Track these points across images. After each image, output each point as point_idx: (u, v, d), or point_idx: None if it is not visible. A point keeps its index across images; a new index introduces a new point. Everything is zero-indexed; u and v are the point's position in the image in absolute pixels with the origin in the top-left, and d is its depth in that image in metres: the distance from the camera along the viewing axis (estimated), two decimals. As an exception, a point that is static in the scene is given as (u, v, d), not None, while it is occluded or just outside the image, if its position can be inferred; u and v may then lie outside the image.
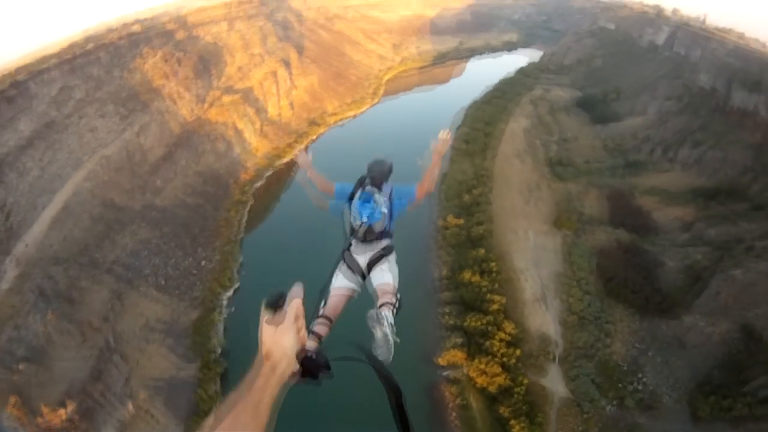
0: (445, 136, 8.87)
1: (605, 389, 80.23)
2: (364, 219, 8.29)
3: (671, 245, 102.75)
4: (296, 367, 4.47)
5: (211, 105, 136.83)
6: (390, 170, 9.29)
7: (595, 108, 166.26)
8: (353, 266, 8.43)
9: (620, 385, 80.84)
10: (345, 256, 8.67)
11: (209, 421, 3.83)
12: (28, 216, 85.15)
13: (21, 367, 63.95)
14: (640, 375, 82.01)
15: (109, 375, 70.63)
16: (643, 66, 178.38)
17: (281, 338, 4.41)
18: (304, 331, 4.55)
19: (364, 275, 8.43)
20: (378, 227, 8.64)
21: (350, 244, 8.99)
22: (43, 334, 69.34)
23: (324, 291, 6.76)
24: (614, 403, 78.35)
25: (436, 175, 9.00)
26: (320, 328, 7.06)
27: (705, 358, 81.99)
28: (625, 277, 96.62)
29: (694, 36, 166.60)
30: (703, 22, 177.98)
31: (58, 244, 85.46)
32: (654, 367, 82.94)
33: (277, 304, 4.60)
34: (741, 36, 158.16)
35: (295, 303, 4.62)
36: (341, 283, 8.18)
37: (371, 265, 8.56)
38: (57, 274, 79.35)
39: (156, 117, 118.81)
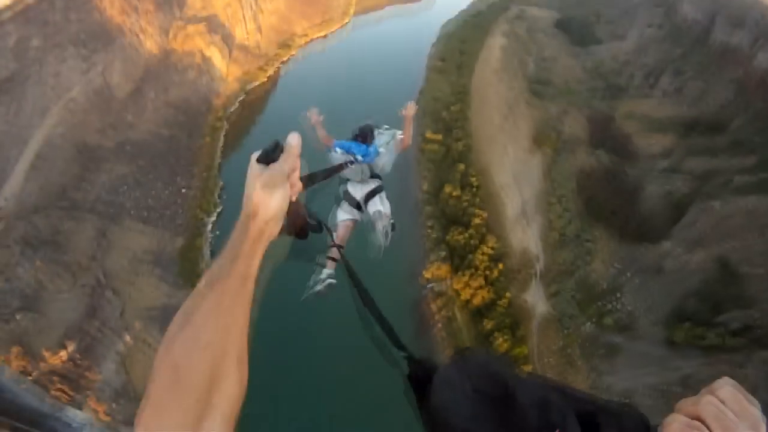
0: (411, 107, 10.11)
1: (584, 307, 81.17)
2: (359, 158, 9.09)
3: (651, 171, 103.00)
4: (282, 226, 3.77)
5: (175, 36, 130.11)
6: (372, 130, 10.28)
7: (574, 30, 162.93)
8: (351, 201, 9.84)
9: (599, 304, 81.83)
10: (344, 193, 10.06)
11: (191, 298, 3.00)
12: (2, 172, 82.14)
13: (18, 317, 64.27)
14: (618, 295, 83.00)
15: (104, 311, 71.47)
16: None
17: (272, 194, 3.63)
18: (298, 185, 3.87)
19: (361, 208, 9.85)
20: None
21: (348, 183, 10.40)
22: (35, 281, 69.30)
23: (327, 225, 5.96)
24: (593, 320, 79.43)
25: (410, 133, 10.27)
26: (335, 252, 7.83)
27: (681, 285, 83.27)
28: (605, 198, 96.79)
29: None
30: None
31: (36, 192, 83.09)
32: (632, 288, 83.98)
33: (270, 157, 3.74)
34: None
35: (291, 152, 3.81)
36: (345, 216, 9.50)
37: (367, 199, 10.06)
38: (39, 222, 78.17)
39: (119, 54, 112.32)
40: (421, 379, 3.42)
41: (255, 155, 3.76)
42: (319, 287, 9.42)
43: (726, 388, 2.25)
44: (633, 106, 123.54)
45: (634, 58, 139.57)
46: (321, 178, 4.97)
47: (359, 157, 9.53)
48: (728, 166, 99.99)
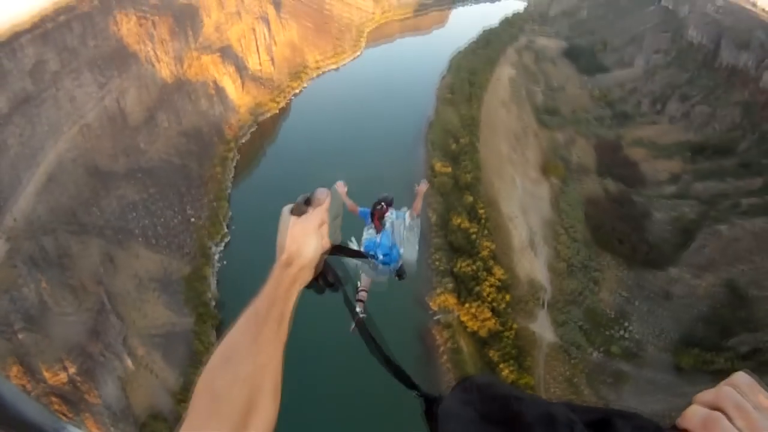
0: (424, 185, 9.28)
1: (592, 336, 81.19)
2: (380, 258, 8.07)
3: (658, 197, 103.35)
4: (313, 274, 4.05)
5: (190, 65, 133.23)
6: (392, 200, 8.97)
7: (581, 58, 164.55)
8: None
9: (607, 333, 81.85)
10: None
11: (232, 336, 3.31)
12: (13, 191, 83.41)
13: (20, 336, 64.39)
14: (626, 323, 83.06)
15: (107, 334, 71.38)
16: (629, 19, 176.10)
17: (305, 244, 3.92)
18: (326, 238, 4.10)
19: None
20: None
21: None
22: (39, 302, 69.46)
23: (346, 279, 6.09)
24: (600, 349, 79.43)
25: (420, 206, 8.81)
26: (362, 294, 7.69)
27: (689, 311, 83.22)
28: (613, 226, 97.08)
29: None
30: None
31: (46, 214, 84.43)
32: (640, 316, 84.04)
33: (302, 210, 4.03)
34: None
35: (320, 205, 4.14)
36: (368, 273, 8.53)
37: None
38: (47, 243, 78.78)
39: (135, 81, 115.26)
40: (436, 415, 3.46)
41: (287, 208, 4.16)
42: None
43: (744, 379, 2.19)
44: (640, 133, 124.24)
45: (641, 85, 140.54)
46: (348, 255, 5.21)
47: (380, 258, 9.03)
48: (736, 189, 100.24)
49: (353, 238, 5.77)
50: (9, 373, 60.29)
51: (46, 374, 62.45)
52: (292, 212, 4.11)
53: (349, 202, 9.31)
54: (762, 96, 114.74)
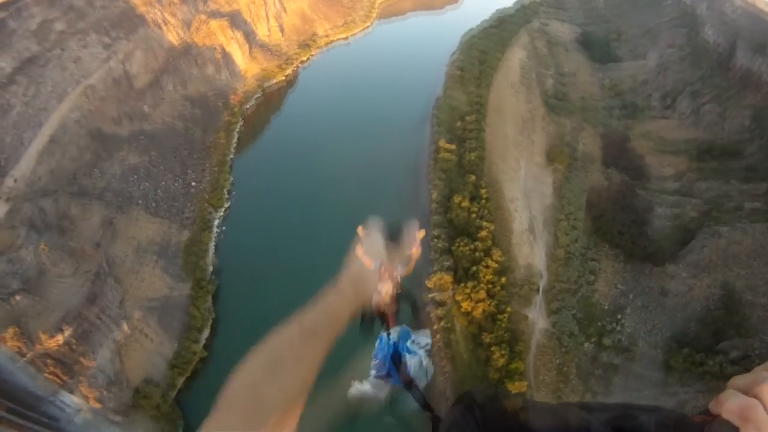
0: (422, 232, 7.80)
1: (585, 326, 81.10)
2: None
3: (662, 192, 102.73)
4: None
5: (197, 29, 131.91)
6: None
7: (594, 47, 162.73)
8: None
9: (600, 324, 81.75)
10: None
11: (284, 342, 3.88)
12: (15, 152, 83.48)
13: (17, 298, 64.78)
14: (619, 316, 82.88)
15: (104, 298, 71.96)
16: (645, 11, 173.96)
17: (372, 282, 4.35)
18: (388, 286, 4.39)
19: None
20: None
21: None
22: (37, 265, 69.93)
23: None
24: (592, 340, 79.36)
25: (419, 252, 7.72)
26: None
27: (684, 310, 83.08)
28: (614, 217, 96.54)
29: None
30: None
31: (47, 176, 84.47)
32: (634, 310, 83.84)
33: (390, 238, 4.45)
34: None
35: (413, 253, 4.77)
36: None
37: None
38: (47, 206, 79.04)
39: (141, 44, 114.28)
40: None
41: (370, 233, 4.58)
42: None
43: None
44: (648, 127, 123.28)
45: (652, 79, 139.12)
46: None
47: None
48: (740, 192, 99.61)
49: None
50: (5, 335, 60.72)
51: (42, 337, 62.84)
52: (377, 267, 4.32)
53: (364, 258, 8.89)
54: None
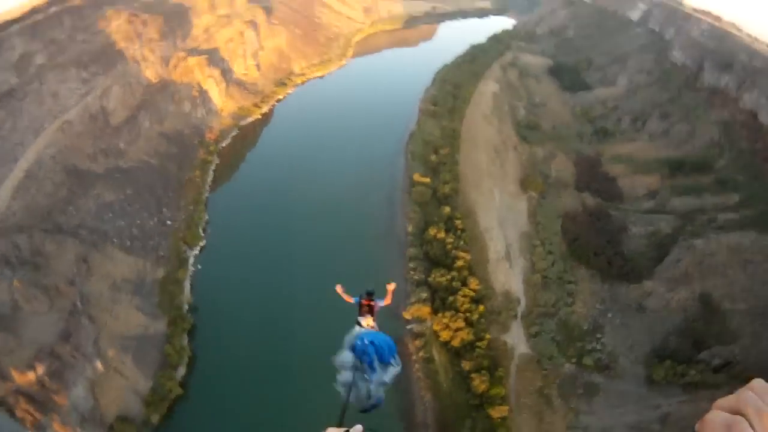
0: (393, 285, 11.49)
1: (565, 347, 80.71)
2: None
3: (636, 212, 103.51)
4: None
5: (175, 66, 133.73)
6: (373, 293, 11.34)
7: (565, 76, 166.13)
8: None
9: (579, 344, 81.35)
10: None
11: None
12: None
13: None
14: (599, 335, 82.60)
15: (78, 336, 70.74)
16: (615, 39, 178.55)
17: None
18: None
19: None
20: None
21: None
22: (10, 302, 69.10)
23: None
24: (573, 361, 78.92)
25: (390, 300, 11.30)
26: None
27: (663, 324, 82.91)
28: (589, 240, 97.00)
29: (669, 14, 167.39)
30: (680, 2, 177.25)
31: (21, 211, 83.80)
32: (613, 328, 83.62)
33: None
34: (718, 18, 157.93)
35: None
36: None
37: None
38: (21, 242, 78.20)
39: (119, 80, 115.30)
40: None
41: None
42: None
43: (763, 384, 2.53)
44: (620, 149, 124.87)
45: (622, 103, 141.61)
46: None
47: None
48: (712, 204, 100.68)
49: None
50: None
51: (14, 374, 61.81)
52: None
53: (345, 297, 11.83)
54: (741, 115, 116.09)
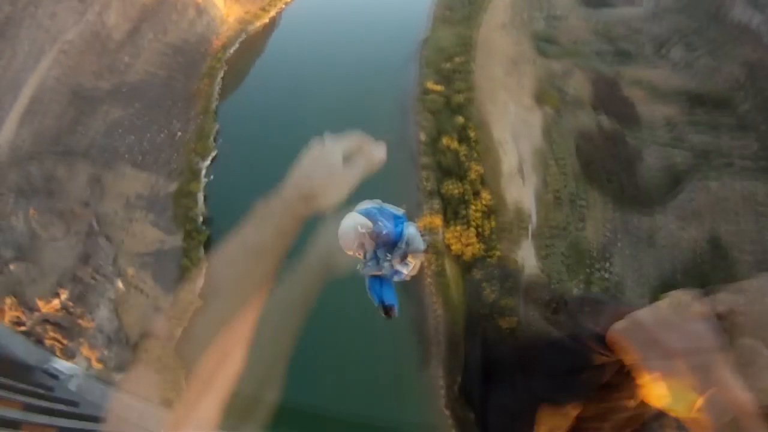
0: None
1: (574, 270, 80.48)
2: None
3: (652, 142, 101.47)
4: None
5: None
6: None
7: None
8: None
9: (588, 270, 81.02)
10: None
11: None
12: None
13: (12, 267, 64.21)
14: (607, 264, 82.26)
15: (97, 257, 70.99)
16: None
17: (341, 188, 3.93)
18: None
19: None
20: None
21: None
22: (28, 231, 69.31)
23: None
24: (581, 285, 78.47)
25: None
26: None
27: (671, 260, 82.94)
28: (603, 163, 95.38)
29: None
30: None
31: (30, 139, 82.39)
32: (622, 258, 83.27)
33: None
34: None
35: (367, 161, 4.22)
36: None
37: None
38: (33, 170, 77.66)
39: None
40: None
41: (329, 143, 3.88)
42: None
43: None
44: (640, 74, 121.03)
45: (646, 26, 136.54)
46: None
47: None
48: (730, 147, 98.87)
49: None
50: (3, 307, 60.31)
51: (39, 303, 62.35)
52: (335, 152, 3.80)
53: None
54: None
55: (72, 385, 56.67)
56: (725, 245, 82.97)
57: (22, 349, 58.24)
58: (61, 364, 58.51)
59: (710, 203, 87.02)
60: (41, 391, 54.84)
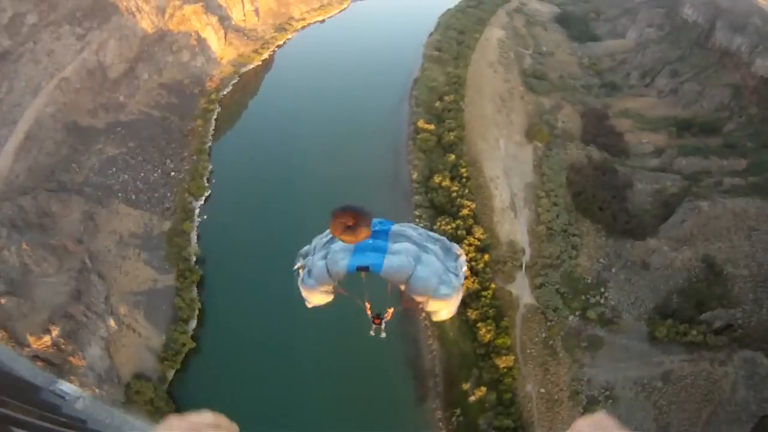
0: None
1: (569, 300, 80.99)
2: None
3: (642, 168, 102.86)
4: None
5: (172, 16, 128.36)
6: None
7: (573, 25, 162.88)
8: None
9: (583, 298, 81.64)
10: None
11: None
12: None
13: (3, 301, 63.45)
14: (602, 290, 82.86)
15: (89, 295, 70.37)
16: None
17: None
18: None
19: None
20: None
21: None
22: (20, 266, 68.51)
23: None
24: (577, 314, 79.26)
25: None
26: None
27: (666, 282, 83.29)
28: (594, 193, 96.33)
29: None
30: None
31: (25, 173, 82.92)
32: (617, 284, 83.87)
33: None
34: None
35: None
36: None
37: None
38: (27, 204, 77.63)
39: (114, 33, 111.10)
40: None
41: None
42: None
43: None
44: (627, 104, 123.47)
45: (631, 57, 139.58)
46: None
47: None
48: (719, 167, 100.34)
49: None
50: None
51: (30, 338, 61.55)
52: None
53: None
54: (752, 80, 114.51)
55: (79, 405, 58.26)
56: (719, 263, 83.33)
57: (28, 371, 59.15)
58: (67, 386, 59.52)
59: (702, 224, 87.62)
60: (48, 409, 56.47)
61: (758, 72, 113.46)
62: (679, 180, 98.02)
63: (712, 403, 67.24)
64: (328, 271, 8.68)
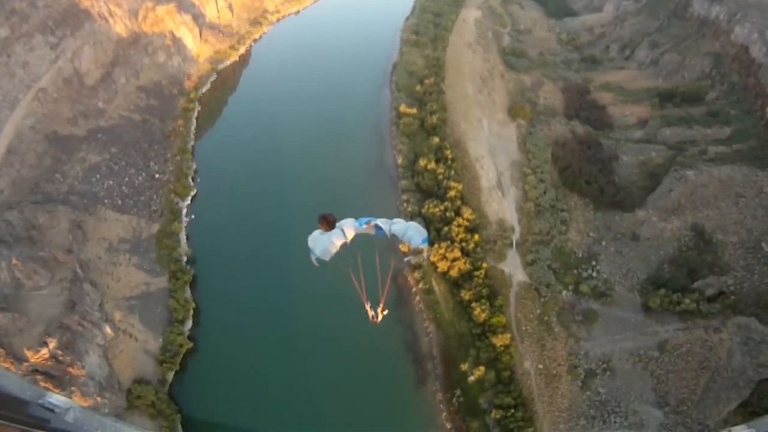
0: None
1: (561, 275, 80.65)
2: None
3: (626, 141, 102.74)
4: None
5: (145, 18, 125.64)
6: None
7: (549, 2, 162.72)
8: None
9: (575, 272, 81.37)
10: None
11: None
12: None
13: None
14: (594, 263, 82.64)
15: (83, 304, 69.14)
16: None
17: None
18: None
19: None
20: None
21: None
22: (12, 280, 67.08)
23: None
24: (570, 288, 78.96)
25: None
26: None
27: (657, 252, 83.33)
28: (580, 168, 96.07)
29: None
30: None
31: (9, 188, 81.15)
32: (608, 256, 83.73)
33: None
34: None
35: None
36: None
37: None
38: (13, 219, 75.86)
39: (88, 39, 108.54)
40: None
41: None
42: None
43: None
44: (608, 78, 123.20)
45: (610, 30, 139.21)
46: None
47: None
48: (703, 136, 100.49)
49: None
50: None
51: (28, 353, 60.49)
52: None
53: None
54: (733, 48, 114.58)
55: (69, 417, 57.05)
56: (708, 230, 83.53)
57: (17, 386, 57.84)
58: (57, 398, 58.22)
59: (689, 192, 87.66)
60: (36, 422, 55.38)
61: (738, 40, 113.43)
62: (664, 150, 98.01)
63: (709, 370, 67.20)
64: (342, 230, 15.57)
